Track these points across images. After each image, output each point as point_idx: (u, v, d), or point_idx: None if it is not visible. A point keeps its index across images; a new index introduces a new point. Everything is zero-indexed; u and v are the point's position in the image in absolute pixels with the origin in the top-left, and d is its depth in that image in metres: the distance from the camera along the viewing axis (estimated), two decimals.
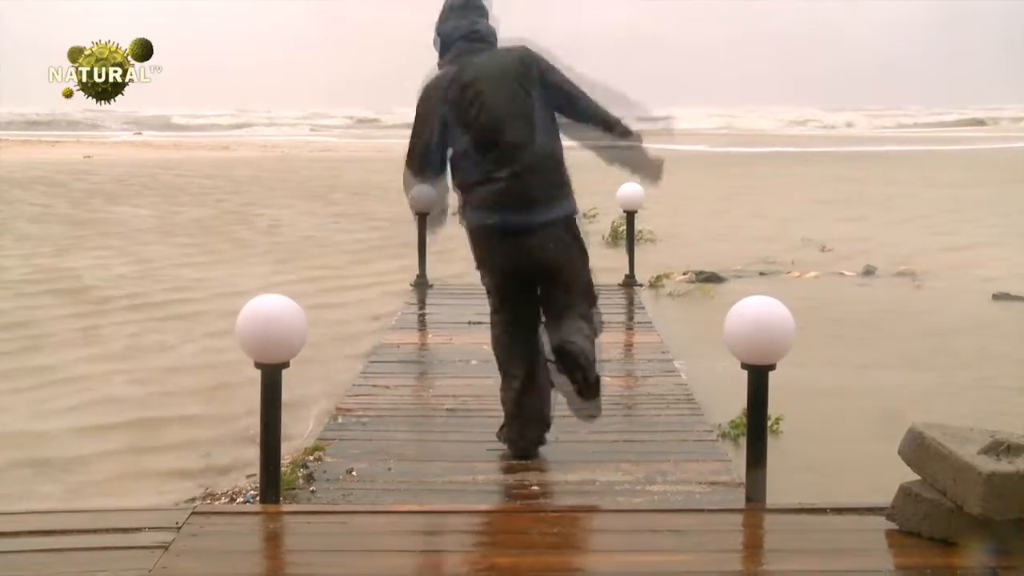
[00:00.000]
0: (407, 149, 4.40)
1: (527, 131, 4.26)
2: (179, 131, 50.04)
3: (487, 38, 4.43)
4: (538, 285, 4.43)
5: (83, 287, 9.74)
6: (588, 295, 4.45)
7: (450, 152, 4.36)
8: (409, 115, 4.53)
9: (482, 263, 4.46)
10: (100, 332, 8.00)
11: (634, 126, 4.52)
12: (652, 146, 4.60)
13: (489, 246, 4.37)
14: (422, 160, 4.36)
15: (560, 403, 4.48)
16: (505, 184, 4.22)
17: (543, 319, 4.46)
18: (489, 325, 4.61)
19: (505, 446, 4.59)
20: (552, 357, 4.35)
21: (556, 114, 4.39)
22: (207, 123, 55.59)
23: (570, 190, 4.40)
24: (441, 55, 4.44)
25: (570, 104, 4.39)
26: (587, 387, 4.28)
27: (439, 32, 4.44)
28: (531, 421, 4.49)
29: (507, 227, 4.26)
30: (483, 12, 4.48)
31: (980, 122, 59.59)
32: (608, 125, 4.44)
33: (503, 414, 4.59)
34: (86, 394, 6.40)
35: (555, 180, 4.33)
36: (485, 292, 4.56)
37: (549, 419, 4.55)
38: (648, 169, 4.70)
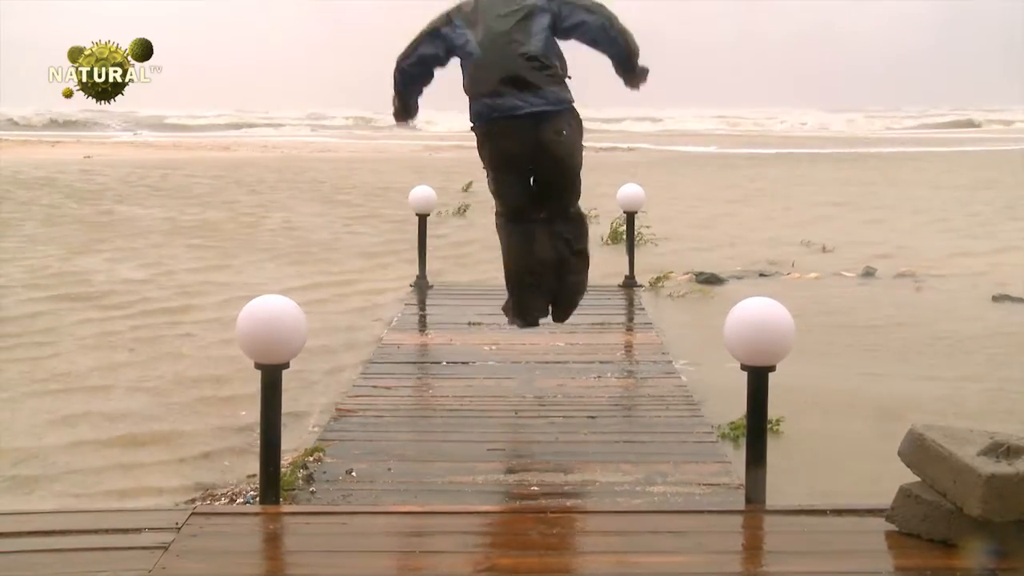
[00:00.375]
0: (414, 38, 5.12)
1: (524, 37, 4.89)
2: (179, 131, 49.99)
3: None
4: (536, 177, 5.08)
5: (94, 292, 9.65)
6: (576, 191, 5.22)
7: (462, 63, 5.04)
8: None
9: (482, 147, 5.06)
10: (109, 337, 7.96)
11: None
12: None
13: (490, 134, 4.98)
14: (418, 43, 5.10)
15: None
16: (501, 80, 4.86)
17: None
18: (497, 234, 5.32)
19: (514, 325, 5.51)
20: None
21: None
22: (207, 123, 55.53)
23: (565, 85, 5.00)
24: None
25: (582, 31, 5.05)
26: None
27: None
28: (534, 292, 5.24)
29: (506, 114, 4.86)
30: None
31: (976, 124, 59.53)
32: (619, 59, 5.15)
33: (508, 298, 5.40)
34: (92, 400, 6.38)
35: (549, 78, 4.91)
36: (493, 198, 5.22)
37: (549, 295, 5.33)
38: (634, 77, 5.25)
